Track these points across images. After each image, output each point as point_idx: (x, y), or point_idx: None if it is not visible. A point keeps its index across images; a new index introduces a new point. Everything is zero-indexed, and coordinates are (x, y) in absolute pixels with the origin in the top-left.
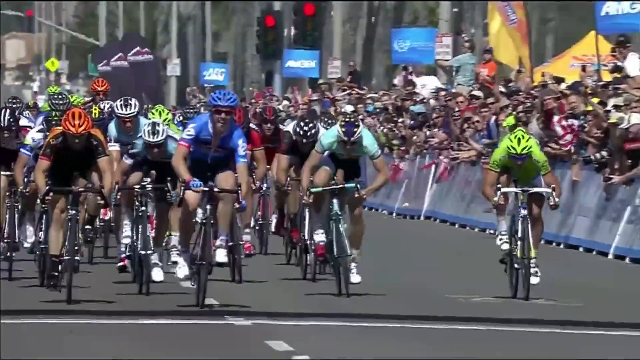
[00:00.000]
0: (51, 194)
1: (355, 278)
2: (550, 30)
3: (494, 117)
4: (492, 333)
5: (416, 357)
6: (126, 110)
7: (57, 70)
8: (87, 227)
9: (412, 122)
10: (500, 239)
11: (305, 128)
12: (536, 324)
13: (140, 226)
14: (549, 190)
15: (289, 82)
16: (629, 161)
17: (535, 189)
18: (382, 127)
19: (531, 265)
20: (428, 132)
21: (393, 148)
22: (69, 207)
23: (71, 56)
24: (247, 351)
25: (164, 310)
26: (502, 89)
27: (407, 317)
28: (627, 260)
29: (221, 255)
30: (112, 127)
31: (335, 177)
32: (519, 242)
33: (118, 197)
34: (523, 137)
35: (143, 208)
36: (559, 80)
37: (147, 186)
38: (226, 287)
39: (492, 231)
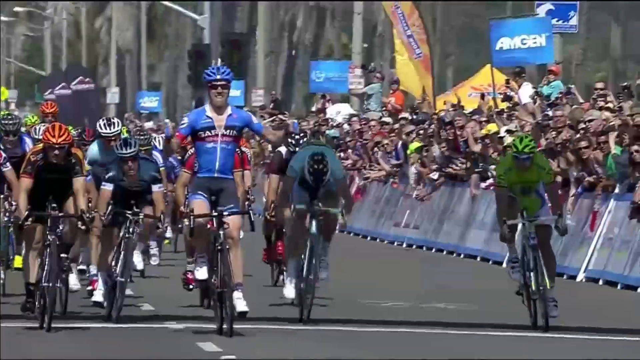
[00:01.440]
0: (30, 219)
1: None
2: (451, 62)
3: (401, 141)
4: (401, 334)
5: (331, 356)
6: (110, 129)
7: (6, 98)
8: (63, 255)
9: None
10: (512, 267)
11: (297, 137)
12: (438, 325)
13: (123, 252)
14: (554, 217)
15: None
16: None
17: (541, 218)
18: None
19: (549, 298)
20: (342, 154)
21: None
22: (47, 233)
23: (19, 85)
24: (179, 352)
25: (105, 315)
26: (408, 116)
27: (325, 320)
28: None
29: (242, 305)
30: (93, 149)
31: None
32: (532, 273)
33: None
34: (526, 137)
35: (129, 236)
36: (459, 107)
37: (139, 213)
38: (163, 294)
39: (399, 243)
